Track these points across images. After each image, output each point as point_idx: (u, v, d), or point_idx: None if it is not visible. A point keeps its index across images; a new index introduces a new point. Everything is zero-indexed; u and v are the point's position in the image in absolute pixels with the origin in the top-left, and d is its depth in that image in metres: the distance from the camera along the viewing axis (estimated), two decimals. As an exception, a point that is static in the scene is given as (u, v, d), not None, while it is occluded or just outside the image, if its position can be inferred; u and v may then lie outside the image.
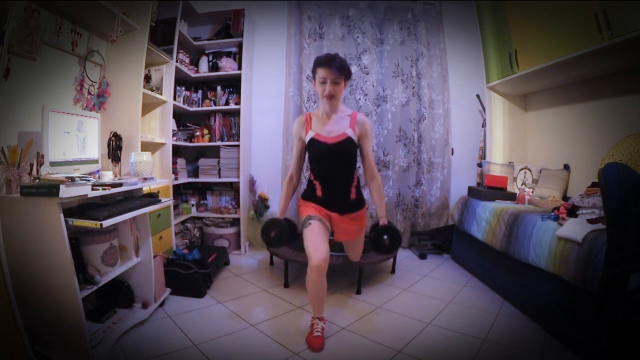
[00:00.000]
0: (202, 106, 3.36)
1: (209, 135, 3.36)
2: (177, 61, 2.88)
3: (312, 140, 1.79)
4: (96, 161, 1.99)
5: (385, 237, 1.83)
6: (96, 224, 1.42)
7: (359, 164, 1.88)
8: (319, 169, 1.82)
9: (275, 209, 3.50)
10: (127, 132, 2.25)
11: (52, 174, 1.60)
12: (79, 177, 1.65)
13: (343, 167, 1.81)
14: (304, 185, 2.06)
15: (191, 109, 3.26)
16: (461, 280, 2.64)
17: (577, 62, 2.17)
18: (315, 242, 1.69)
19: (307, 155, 1.89)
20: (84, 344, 1.47)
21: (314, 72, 1.76)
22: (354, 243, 2.03)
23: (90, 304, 1.94)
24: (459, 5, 3.47)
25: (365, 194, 2.16)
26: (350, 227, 1.89)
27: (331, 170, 1.80)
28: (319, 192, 1.83)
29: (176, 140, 3.03)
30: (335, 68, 1.68)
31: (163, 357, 1.61)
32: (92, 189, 1.52)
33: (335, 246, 2.36)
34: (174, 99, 2.89)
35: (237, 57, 3.35)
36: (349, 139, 1.77)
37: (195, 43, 3.26)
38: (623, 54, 1.96)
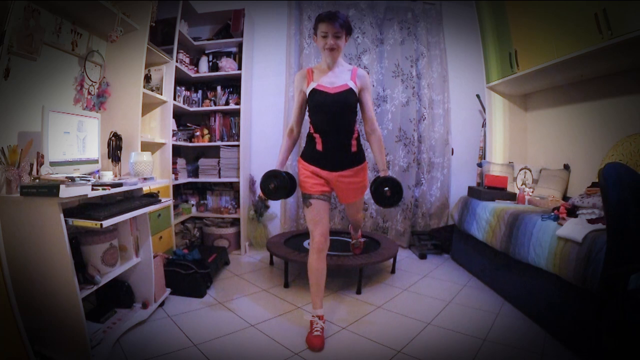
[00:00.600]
0: (202, 106, 3.36)
1: (209, 135, 3.36)
2: (177, 61, 2.88)
3: (313, 90, 1.81)
4: (96, 161, 1.99)
5: (387, 188, 1.83)
6: (96, 224, 1.42)
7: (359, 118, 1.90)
8: (320, 120, 1.83)
9: (275, 209, 3.50)
10: (127, 132, 2.25)
11: (52, 174, 1.60)
12: (79, 177, 1.65)
13: (344, 117, 1.82)
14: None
15: (191, 109, 3.26)
16: (461, 280, 2.64)
17: (577, 62, 2.17)
18: (315, 219, 1.79)
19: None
20: (84, 344, 1.47)
21: (315, 28, 1.79)
22: (356, 202, 2.07)
23: (90, 304, 1.94)
24: (459, 5, 3.47)
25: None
26: (352, 184, 1.90)
27: (332, 120, 1.81)
28: (319, 146, 1.84)
29: (176, 140, 3.03)
30: (337, 23, 1.72)
31: (163, 357, 1.60)
32: (92, 189, 1.52)
33: (335, 246, 2.36)
34: (174, 99, 2.89)
35: (237, 57, 3.35)
36: (351, 90, 1.79)
37: (195, 43, 3.26)
38: (623, 54, 1.96)
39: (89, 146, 1.93)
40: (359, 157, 1.90)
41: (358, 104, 1.86)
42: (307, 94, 1.84)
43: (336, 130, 1.82)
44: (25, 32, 1.67)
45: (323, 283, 1.83)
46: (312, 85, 1.82)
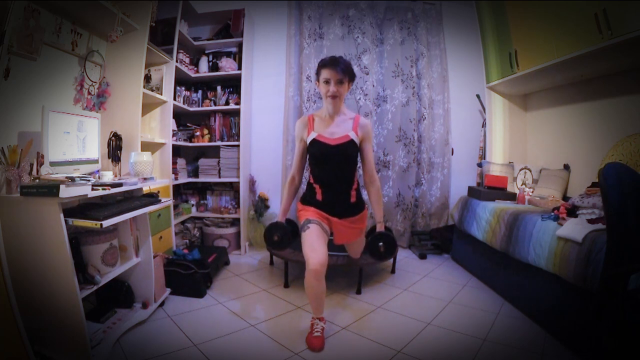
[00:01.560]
0: (202, 106, 3.36)
1: (209, 135, 3.36)
2: (177, 61, 2.88)
3: (314, 141, 1.79)
4: (96, 161, 1.99)
5: (381, 244, 1.84)
6: (96, 224, 1.42)
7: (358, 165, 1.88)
8: (320, 171, 1.82)
9: (275, 209, 3.50)
10: (127, 132, 2.25)
11: (52, 174, 1.60)
12: (79, 177, 1.65)
13: (344, 169, 1.81)
14: (303, 188, 2.07)
15: (191, 109, 3.26)
16: (461, 280, 2.64)
17: (577, 62, 2.17)
18: (313, 245, 1.69)
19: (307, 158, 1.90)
20: (84, 344, 1.47)
21: (317, 73, 1.78)
22: (354, 243, 2.04)
23: (90, 304, 1.94)
24: (459, 5, 3.47)
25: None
26: (350, 230, 1.90)
27: (332, 172, 1.80)
28: (318, 196, 1.83)
29: (176, 140, 3.03)
30: (339, 68, 1.70)
31: (163, 357, 1.61)
32: (92, 189, 1.52)
33: (335, 246, 2.36)
34: (174, 99, 2.89)
35: (237, 57, 3.35)
36: (352, 141, 1.77)
37: (195, 43, 3.26)
38: (623, 54, 1.96)
39: (89, 146, 1.93)
40: (358, 207, 1.89)
41: (359, 155, 1.85)
42: (308, 143, 1.82)
43: (336, 181, 1.81)
44: (25, 32, 1.67)
45: (323, 299, 1.78)
46: (313, 135, 1.80)
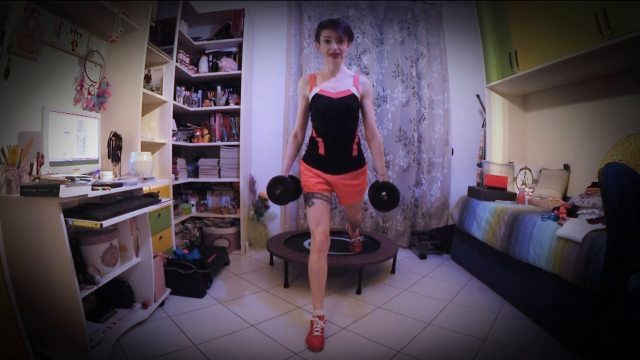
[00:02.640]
0: (202, 106, 3.36)
1: (209, 135, 3.36)
2: (177, 61, 2.88)
3: (316, 95, 1.85)
4: (96, 161, 1.99)
5: (384, 193, 1.89)
6: (96, 224, 1.42)
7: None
8: (322, 124, 1.86)
9: (275, 209, 3.50)
10: (127, 132, 2.25)
11: (52, 174, 1.60)
12: (79, 177, 1.65)
13: (346, 122, 1.85)
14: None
15: (191, 109, 3.26)
16: (461, 280, 2.64)
17: (577, 62, 2.17)
18: (317, 219, 1.80)
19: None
20: (84, 344, 1.47)
21: (317, 35, 1.83)
22: (355, 204, 2.10)
23: (90, 304, 1.94)
24: (459, 5, 3.47)
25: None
26: (352, 189, 1.95)
27: (334, 125, 1.84)
28: (321, 150, 1.87)
29: (176, 140, 3.03)
30: (340, 28, 1.76)
31: (163, 357, 1.60)
32: (92, 189, 1.52)
33: (335, 246, 2.37)
34: (174, 99, 2.89)
35: (237, 57, 3.35)
36: (353, 95, 1.83)
37: (195, 43, 3.26)
38: (623, 54, 1.96)
39: (89, 146, 1.93)
40: (359, 161, 1.93)
41: (359, 110, 1.90)
42: (310, 98, 1.87)
43: (338, 134, 1.85)
44: (25, 32, 1.67)
45: (324, 283, 1.84)
46: (315, 90, 1.85)
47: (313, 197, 1.85)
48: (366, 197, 2.05)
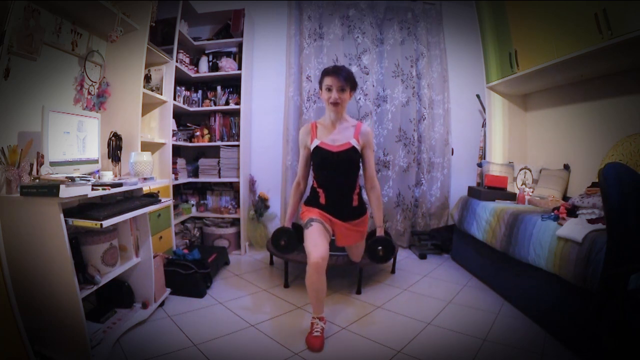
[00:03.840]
0: (202, 106, 3.36)
1: (209, 135, 3.36)
2: (177, 61, 2.88)
3: (317, 148, 1.84)
4: (96, 161, 1.99)
5: (380, 248, 1.90)
6: (96, 224, 1.42)
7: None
8: (323, 176, 1.86)
9: (275, 209, 3.50)
10: (127, 132, 2.25)
11: (52, 174, 1.60)
12: (79, 177, 1.65)
13: (346, 174, 1.85)
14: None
15: (191, 109, 3.26)
16: (461, 280, 2.64)
17: (577, 62, 2.17)
18: (315, 240, 1.73)
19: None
20: (84, 344, 1.47)
21: (320, 82, 1.83)
22: (355, 246, 2.07)
23: (90, 304, 1.94)
24: (459, 5, 3.47)
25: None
26: (352, 233, 1.94)
27: (335, 177, 1.84)
28: (322, 200, 1.88)
29: (176, 140, 3.03)
30: (342, 77, 1.76)
31: (163, 357, 1.61)
32: (92, 189, 1.52)
33: (336, 246, 2.36)
34: (174, 99, 2.89)
35: (237, 57, 3.35)
36: (353, 148, 1.82)
37: (195, 43, 3.26)
38: (623, 54, 1.96)
39: (89, 146, 1.93)
40: (360, 210, 1.94)
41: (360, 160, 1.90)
42: (311, 150, 1.87)
43: (338, 186, 1.86)
44: (25, 32, 1.67)
45: (324, 295, 1.80)
46: (316, 142, 1.85)
47: (312, 221, 1.82)
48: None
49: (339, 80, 1.75)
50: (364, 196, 2.02)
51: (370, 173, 1.91)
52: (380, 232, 1.94)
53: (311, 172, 1.96)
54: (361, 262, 2.37)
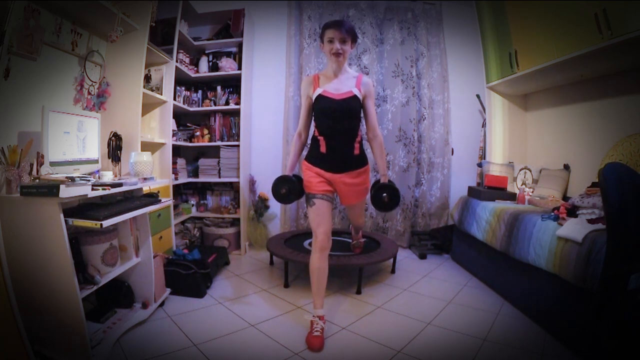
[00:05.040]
0: (202, 106, 3.36)
1: (209, 135, 3.36)
2: (177, 61, 2.88)
3: (319, 96, 1.87)
4: (96, 161, 1.99)
5: (385, 194, 1.91)
6: (96, 224, 1.42)
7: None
8: (325, 124, 1.88)
9: (275, 209, 3.50)
10: (127, 132, 2.25)
11: (52, 174, 1.60)
12: (79, 177, 1.65)
13: (348, 122, 1.86)
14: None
15: (191, 109, 3.26)
16: (461, 280, 2.64)
17: (577, 62, 2.17)
18: (318, 219, 1.83)
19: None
20: (84, 344, 1.47)
21: (322, 35, 1.86)
22: (357, 205, 2.11)
23: (90, 304, 1.94)
24: (459, 5, 3.47)
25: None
26: (354, 188, 1.95)
27: (336, 125, 1.86)
28: (322, 148, 1.88)
29: (176, 140, 3.03)
30: (343, 28, 1.79)
31: (163, 357, 1.61)
32: (92, 189, 1.52)
33: (335, 246, 2.37)
34: (174, 99, 2.89)
35: (237, 57, 3.35)
36: (355, 96, 1.85)
37: (195, 43, 3.26)
38: (623, 54, 1.96)
39: (89, 146, 1.93)
40: (361, 160, 1.94)
41: (362, 110, 1.92)
42: (313, 99, 1.89)
43: (340, 132, 1.86)
44: (25, 32, 1.67)
45: (324, 282, 1.85)
46: (318, 91, 1.87)
47: (314, 198, 1.87)
48: (367, 196, 2.06)
49: (341, 32, 1.78)
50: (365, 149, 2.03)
51: (372, 122, 1.94)
52: (384, 181, 1.96)
53: (312, 124, 1.98)
54: (361, 263, 2.38)
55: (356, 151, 1.90)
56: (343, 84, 1.87)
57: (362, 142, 1.95)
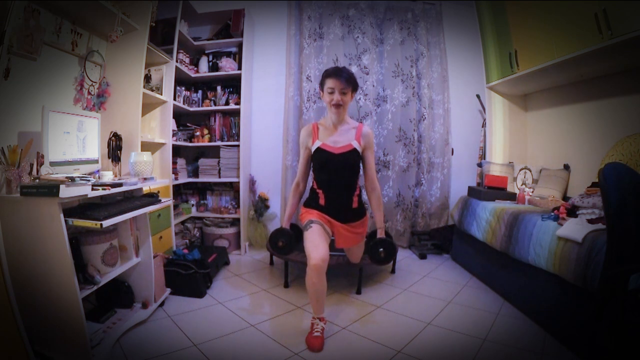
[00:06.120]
0: (202, 106, 3.36)
1: (209, 135, 3.36)
2: (177, 61, 2.88)
3: (318, 149, 1.85)
4: (96, 161, 1.99)
5: (381, 249, 1.90)
6: (96, 224, 1.42)
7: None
8: (323, 178, 1.86)
9: (275, 209, 3.50)
10: (127, 132, 2.25)
11: (52, 174, 1.60)
12: (79, 177, 1.65)
13: (347, 176, 1.85)
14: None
15: (191, 109, 3.26)
16: (461, 280, 2.64)
17: (577, 62, 2.17)
18: (315, 242, 1.74)
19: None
20: (84, 344, 1.47)
21: (322, 83, 1.83)
22: (354, 247, 2.08)
23: (90, 304, 1.94)
24: (459, 5, 3.47)
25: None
26: (351, 235, 1.94)
27: (335, 179, 1.84)
28: (321, 201, 1.88)
29: (176, 140, 3.03)
30: (343, 78, 1.76)
31: (163, 357, 1.61)
32: (92, 189, 1.52)
33: (335, 247, 2.35)
34: (174, 99, 2.89)
35: (237, 57, 3.35)
36: (354, 150, 1.83)
37: (195, 43, 3.26)
38: (623, 54, 1.96)
39: (89, 146, 1.93)
40: (359, 213, 1.94)
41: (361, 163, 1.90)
42: (312, 151, 1.87)
43: (338, 187, 1.86)
44: (25, 32, 1.67)
45: (324, 297, 1.80)
46: (317, 143, 1.86)
47: (312, 223, 1.82)
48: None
49: (341, 83, 1.76)
50: (364, 198, 2.01)
51: (371, 174, 1.92)
52: (381, 234, 1.94)
53: (311, 174, 1.96)
54: (361, 262, 2.37)
55: (354, 205, 1.89)
56: (342, 137, 1.84)
57: (360, 195, 1.94)
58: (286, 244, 1.95)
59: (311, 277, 1.70)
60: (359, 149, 1.84)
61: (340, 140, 1.84)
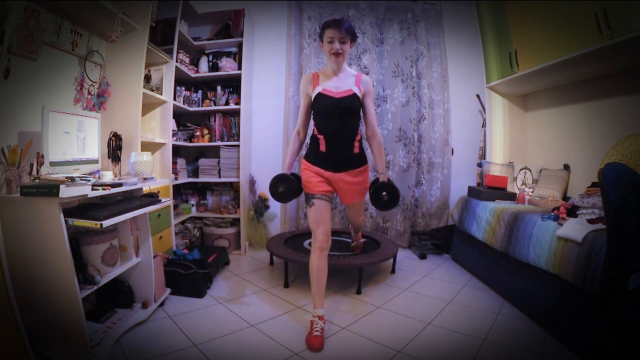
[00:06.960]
0: (202, 106, 3.36)
1: (209, 135, 3.36)
2: (177, 61, 2.88)
3: (319, 95, 1.86)
4: (96, 161, 1.99)
5: (384, 193, 1.91)
6: (96, 224, 1.42)
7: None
8: (324, 123, 1.87)
9: (275, 209, 3.50)
10: (127, 132, 2.25)
11: (52, 174, 1.60)
12: (79, 177, 1.65)
13: (348, 120, 1.86)
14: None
15: (191, 109, 3.26)
16: (461, 280, 2.64)
17: (577, 62, 2.17)
18: (317, 219, 1.83)
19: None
20: (84, 344, 1.47)
21: (321, 34, 1.86)
22: (356, 205, 2.11)
23: (90, 304, 1.94)
24: (459, 5, 3.47)
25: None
26: (354, 185, 1.94)
27: (336, 123, 1.85)
28: (322, 147, 1.88)
29: (176, 140, 3.03)
30: (343, 28, 1.79)
31: (163, 357, 1.60)
32: (92, 189, 1.52)
33: (335, 246, 2.37)
34: (174, 99, 2.89)
35: (237, 57, 3.35)
36: (355, 95, 1.85)
37: (195, 43, 3.26)
38: (623, 54, 1.96)
39: (89, 146, 1.93)
40: (361, 159, 1.94)
41: (361, 109, 1.92)
42: (313, 97, 1.88)
43: (339, 132, 1.86)
44: (25, 32, 1.67)
45: (324, 282, 1.85)
46: (318, 89, 1.87)
47: (313, 198, 1.86)
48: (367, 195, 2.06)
49: (340, 32, 1.78)
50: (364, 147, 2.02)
51: (371, 120, 1.94)
52: (383, 179, 1.96)
53: (311, 122, 1.98)
54: (361, 263, 2.38)
55: (356, 150, 1.90)
56: (343, 82, 1.87)
57: (362, 141, 1.95)
58: (287, 190, 1.92)
59: (314, 255, 1.80)
60: (359, 95, 1.86)
61: (340, 85, 1.86)
